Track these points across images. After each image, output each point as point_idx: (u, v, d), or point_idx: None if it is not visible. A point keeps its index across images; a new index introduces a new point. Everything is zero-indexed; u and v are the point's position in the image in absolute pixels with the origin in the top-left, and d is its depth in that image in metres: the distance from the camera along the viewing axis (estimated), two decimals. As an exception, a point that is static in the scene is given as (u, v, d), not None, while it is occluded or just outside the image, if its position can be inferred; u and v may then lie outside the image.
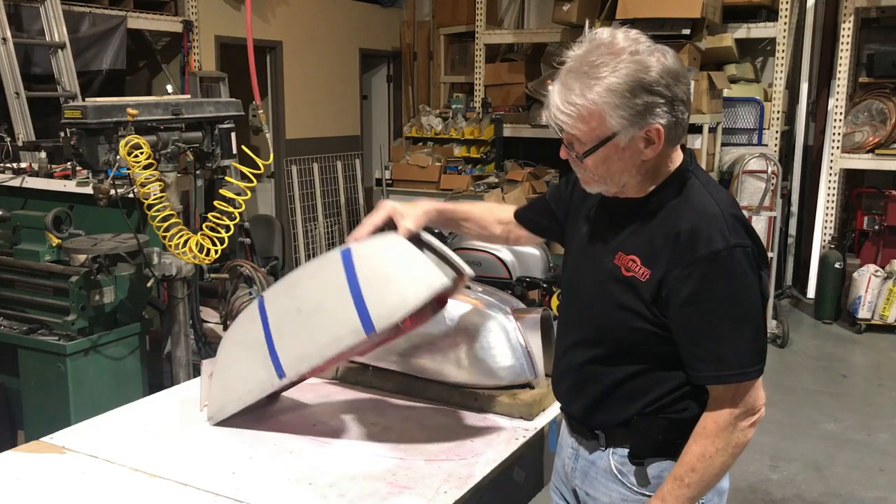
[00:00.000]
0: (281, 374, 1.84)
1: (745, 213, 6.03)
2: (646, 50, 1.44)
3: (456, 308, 2.08)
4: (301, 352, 1.81)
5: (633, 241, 1.55)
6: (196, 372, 2.12)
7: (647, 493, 1.60)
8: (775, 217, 6.17)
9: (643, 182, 1.55)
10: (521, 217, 1.94)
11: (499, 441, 1.89)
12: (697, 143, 6.14)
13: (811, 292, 6.96)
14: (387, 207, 1.79)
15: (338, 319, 1.73)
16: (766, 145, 6.81)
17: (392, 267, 1.71)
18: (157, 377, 3.70)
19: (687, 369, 1.52)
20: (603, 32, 1.48)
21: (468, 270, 1.77)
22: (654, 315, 1.51)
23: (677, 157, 1.56)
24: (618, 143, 1.46)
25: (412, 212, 1.78)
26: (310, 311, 1.78)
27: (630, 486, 1.62)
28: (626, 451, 1.62)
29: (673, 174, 1.55)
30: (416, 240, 1.78)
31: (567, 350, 1.70)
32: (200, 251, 3.06)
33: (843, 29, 6.63)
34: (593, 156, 1.49)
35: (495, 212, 1.97)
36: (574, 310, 1.69)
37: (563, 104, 1.46)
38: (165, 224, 2.99)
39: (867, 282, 6.23)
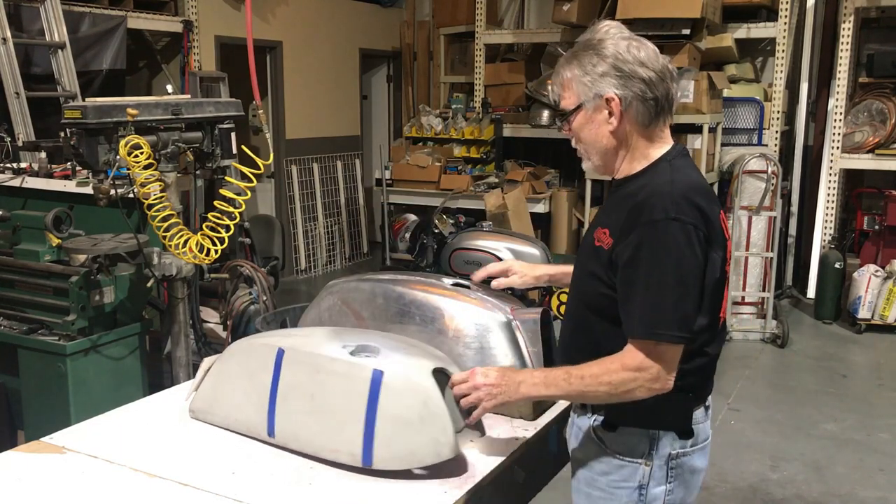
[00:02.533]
0: (272, 433, 1.84)
1: (745, 213, 6.07)
2: (620, 37, 1.69)
3: (456, 308, 2.08)
4: (298, 432, 1.80)
5: (608, 216, 1.74)
6: (196, 373, 2.13)
7: (618, 456, 1.74)
8: (775, 217, 6.17)
9: (623, 161, 1.74)
10: None
11: (499, 441, 1.89)
12: (697, 143, 6.14)
13: (811, 292, 6.96)
14: (507, 262, 2.16)
15: (344, 434, 1.72)
16: (766, 145, 6.81)
17: (414, 417, 1.68)
18: (157, 377, 3.69)
19: (623, 327, 1.65)
20: (591, 28, 1.75)
21: (481, 430, 1.81)
22: (610, 280, 1.68)
23: (660, 145, 1.74)
24: (586, 111, 1.71)
25: (526, 271, 2.12)
26: (322, 406, 1.76)
27: (603, 449, 1.76)
28: (602, 417, 1.77)
29: (653, 162, 1.72)
30: (442, 375, 1.76)
31: (564, 324, 1.88)
32: (200, 251, 3.06)
33: (843, 29, 6.63)
34: (572, 123, 1.74)
35: None
36: (571, 284, 1.89)
37: (554, 77, 1.77)
38: (165, 224, 2.98)
39: (867, 282, 6.23)
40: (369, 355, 1.78)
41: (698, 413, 1.76)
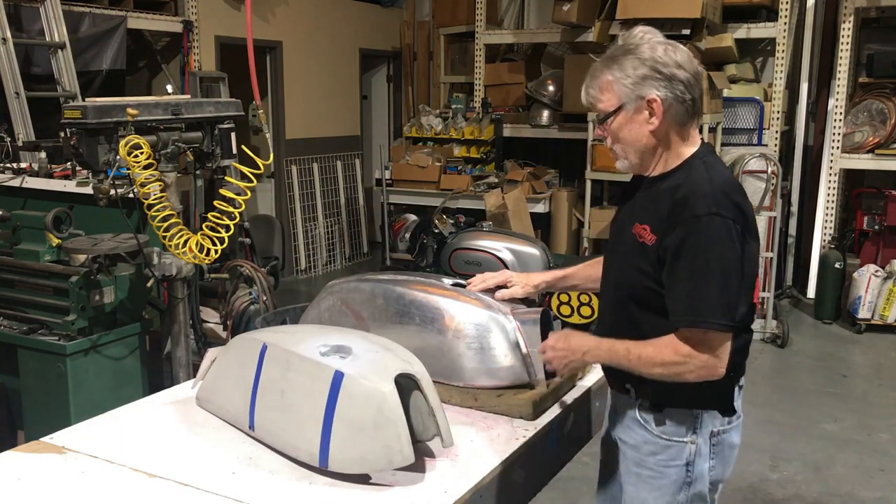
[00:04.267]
0: (252, 426, 1.86)
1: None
2: (656, 41, 1.79)
3: (456, 308, 2.08)
4: (270, 427, 1.82)
5: (646, 213, 1.83)
6: (196, 373, 2.15)
7: (665, 436, 1.85)
8: (775, 217, 6.17)
9: (659, 160, 1.84)
10: None
11: (499, 441, 1.90)
12: (697, 143, 6.13)
13: (811, 292, 6.96)
14: (505, 273, 2.22)
15: (303, 433, 1.72)
16: (766, 145, 6.81)
17: (367, 422, 1.66)
18: (157, 377, 3.69)
19: (669, 316, 1.76)
20: (626, 33, 1.84)
21: (448, 441, 1.76)
22: (657, 274, 1.77)
23: (691, 144, 1.84)
24: (627, 112, 1.79)
25: (526, 280, 2.18)
26: (289, 403, 1.77)
27: (650, 430, 1.87)
28: (648, 401, 1.87)
29: (686, 160, 1.82)
30: (408, 381, 1.75)
31: (603, 314, 2.00)
32: (200, 251, 3.06)
33: (843, 29, 6.63)
34: (611, 124, 1.82)
35: (591, 263, 2.23)
36: (607, 277, 1.97)
37: (590, 81, 1.86)
38: (165, 224, 2.98)
39: (867, 282, 6.23)
40: (343, 356, 1.77)
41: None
